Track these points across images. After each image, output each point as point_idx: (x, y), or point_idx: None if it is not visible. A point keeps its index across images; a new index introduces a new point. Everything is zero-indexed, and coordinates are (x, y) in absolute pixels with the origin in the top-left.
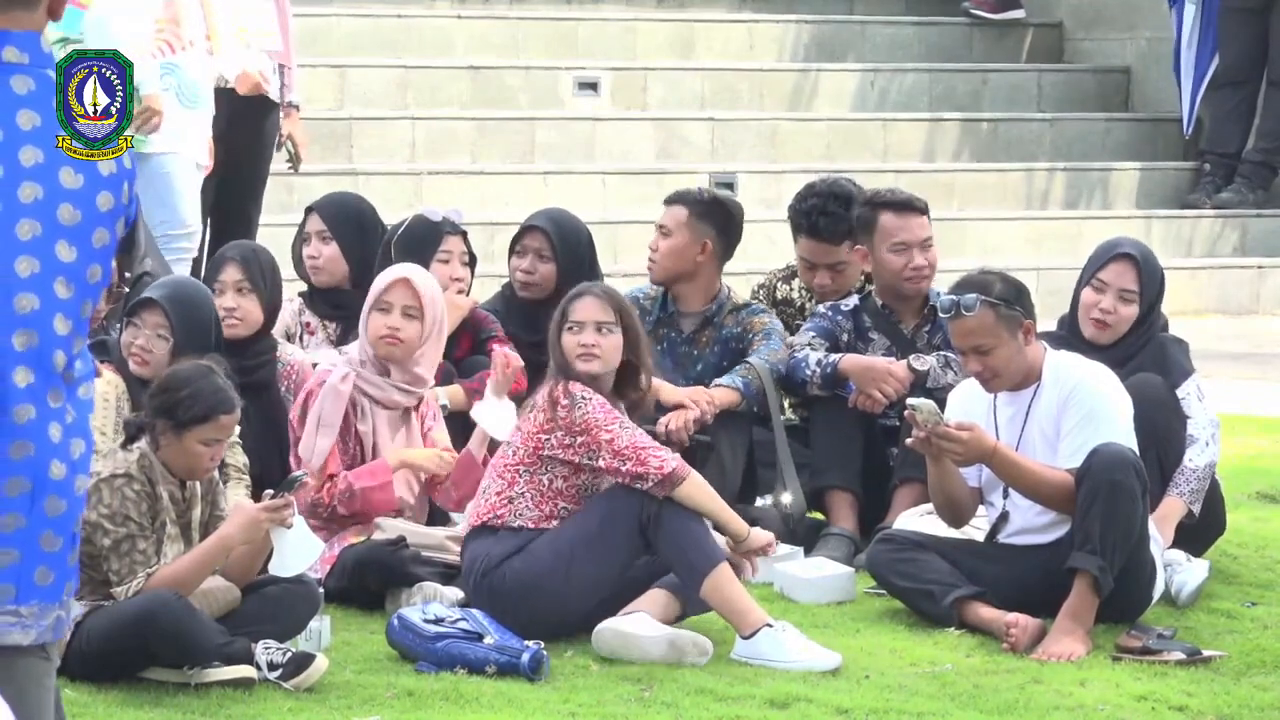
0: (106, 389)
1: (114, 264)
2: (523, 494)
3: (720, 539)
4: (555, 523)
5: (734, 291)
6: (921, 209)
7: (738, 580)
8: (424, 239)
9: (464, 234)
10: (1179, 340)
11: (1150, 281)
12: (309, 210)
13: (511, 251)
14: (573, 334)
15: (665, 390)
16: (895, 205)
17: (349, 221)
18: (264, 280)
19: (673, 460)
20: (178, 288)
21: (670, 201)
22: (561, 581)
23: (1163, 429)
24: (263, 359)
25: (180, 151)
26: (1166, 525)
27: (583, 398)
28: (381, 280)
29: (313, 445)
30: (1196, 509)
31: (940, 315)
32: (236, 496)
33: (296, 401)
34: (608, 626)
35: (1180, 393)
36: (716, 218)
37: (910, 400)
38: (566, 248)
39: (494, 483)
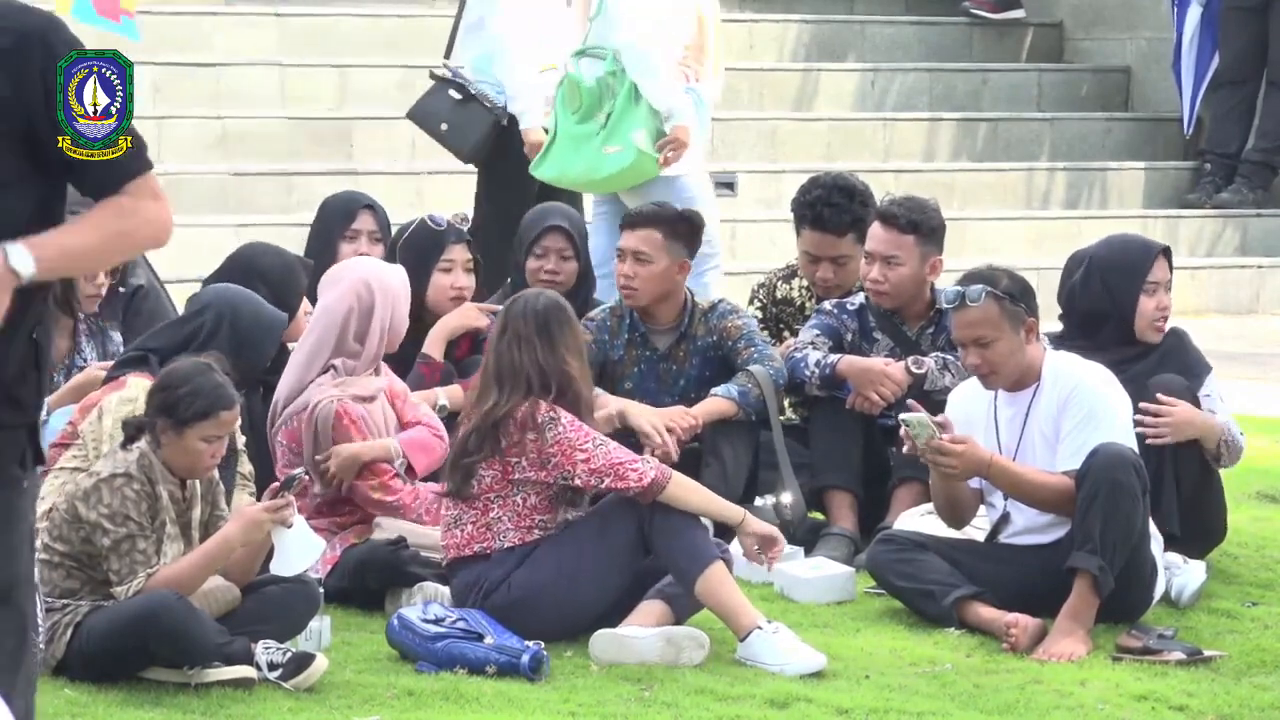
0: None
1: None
2: (500, 519)
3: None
4: (537, 533)
5: (692, 294)
6: None
7: (732, 581)
8: (427, 247)
9: (469, 241)
10: (1186, 333)
11: None
12: (364, 207)
13: (528, 254)
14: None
15: (645, 414)
16: None
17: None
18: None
19: (651, 470)
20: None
21: (635, 224)
22: (569, 588)
23: None
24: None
25: (702, 168)
26: (1207, 436)
27: (551, 419)
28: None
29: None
30: (1225, 456)
31: (944, 305)
32: (241, 504)
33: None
34: (603, 634)
35: (1203, 392)
36: (684, 236)
37: (903, 416)
38: (585, 245)
39: (465, 513)
